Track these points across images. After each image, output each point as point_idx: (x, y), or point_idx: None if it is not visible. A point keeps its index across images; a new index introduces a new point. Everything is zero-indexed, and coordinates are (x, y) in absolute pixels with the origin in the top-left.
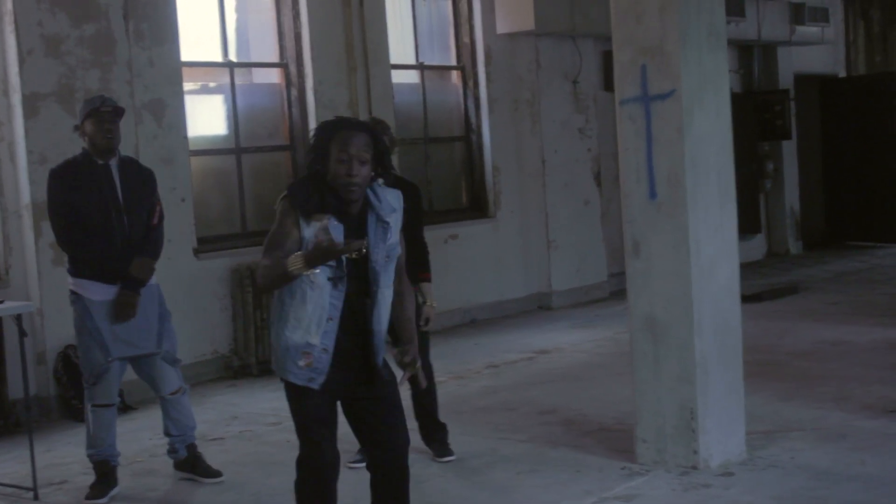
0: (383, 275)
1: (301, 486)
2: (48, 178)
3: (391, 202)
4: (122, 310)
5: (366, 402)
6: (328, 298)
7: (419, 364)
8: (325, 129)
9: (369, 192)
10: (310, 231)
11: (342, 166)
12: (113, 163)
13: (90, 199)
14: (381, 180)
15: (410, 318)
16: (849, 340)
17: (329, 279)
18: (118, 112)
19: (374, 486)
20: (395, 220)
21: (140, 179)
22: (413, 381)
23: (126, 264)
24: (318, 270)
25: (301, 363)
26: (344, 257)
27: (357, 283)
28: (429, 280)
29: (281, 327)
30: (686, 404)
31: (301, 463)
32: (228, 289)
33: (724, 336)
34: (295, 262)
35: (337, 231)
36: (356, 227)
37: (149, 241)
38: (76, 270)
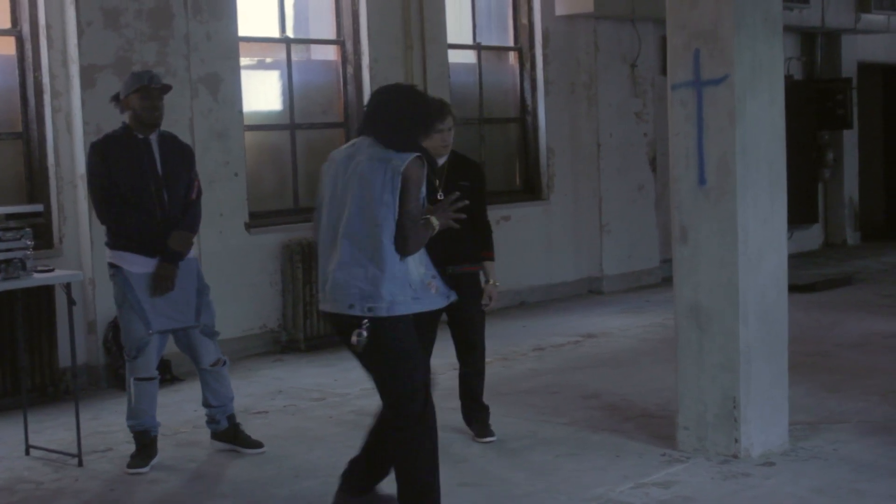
0: None
1: (424, 442)
2: (88, 152)
3: None
4: (161, 282)
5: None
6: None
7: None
8: (430, 110)
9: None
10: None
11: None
12: (153, 137)
13: (130, 172)
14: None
15: None
16: None
17: None
18: (166, 89)
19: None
20: None
21: (179, 154)
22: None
23: (165, 238)
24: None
25: (432, 290)
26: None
27: None
28: (492, 259)
29: (410, 269)
30: (728, 393)
31: (422, 417)
32: (279, 264)
33: (769, 326)
34: (434, 223)
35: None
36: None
37: (187, 216)
38: (115, 243)
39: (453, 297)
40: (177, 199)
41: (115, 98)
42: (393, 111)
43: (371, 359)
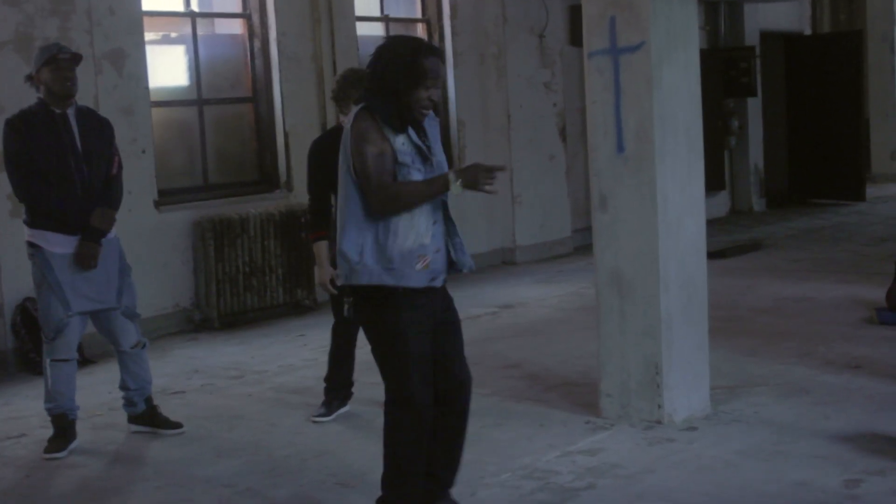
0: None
1: (399, 428)
2: (3, 128)
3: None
4: (83, 260)
5: (445, 326)
6: (432, 203)
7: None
8: (421, 52)
9: None
10: (398, 141)
11: (428, 91)
12: (70, 112)
13: (48, 148)
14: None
15: None
16: (811, 297)
17: None
18: (76, 59)
19: (443, 420)
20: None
21: (98, 129)
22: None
23: (86, 214)
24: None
25: (418, 266)
26: (421, 160)
27: None
28: None
29: (389, 239)
30: (651, 359)
31: (406, 402)
32: (190, 241)
33: (690, 292)
34: (452, 182)
35: (401, 141)
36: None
37: (109, 192)
38: (35, 222)
39: (438, 282)
40: (97, 175)
41: (29, 77)
42: (375, 69)
43: (366, 334)
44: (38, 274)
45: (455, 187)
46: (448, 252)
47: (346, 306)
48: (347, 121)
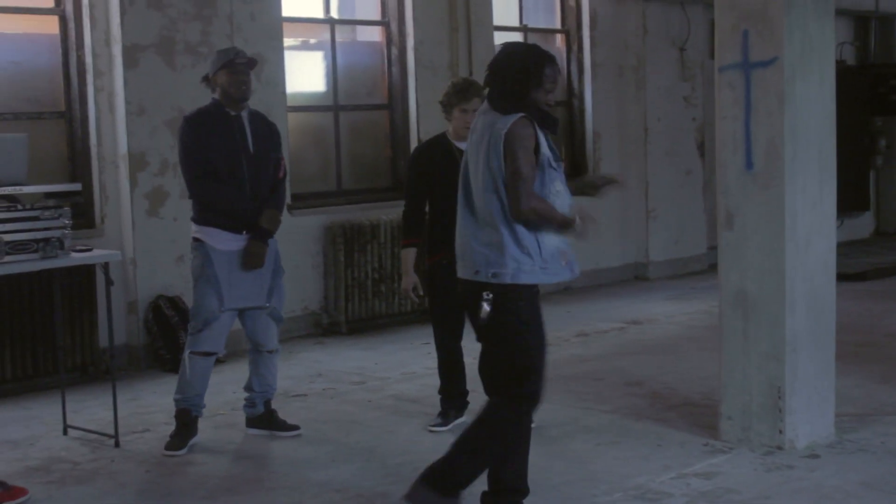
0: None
1: (522, 423)
2: (182, 125)
3: None
4: (251, 259)
5: None
6: (567, 201)
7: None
8: (539, 58)
9: None
10: (544, 145)
11: (549, 94)
12: (244, 114)
13: (223, 147)
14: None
15: None
16: None
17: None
18: (252, 64)
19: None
20: None
21: (268, 132)
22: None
23: (253, 215)
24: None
25: (563, 262)
26: (558, 165)
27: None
28: None
29: (540, 236)
30: (774, 382)
31: (530, 397)
32: (321, 246)
33: (817, 314)
34: (577, 225)
35: (546, 146)
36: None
37: (275, 194)
38: (203, 218)
39: (577, 273)
40: (266, 177)
41: (205, 78)
42: (498, 73)
43: (490, 330)
44: (199, 266)
45: (575, 234)
46: None
47: (482, 310)
48: (498, 124)
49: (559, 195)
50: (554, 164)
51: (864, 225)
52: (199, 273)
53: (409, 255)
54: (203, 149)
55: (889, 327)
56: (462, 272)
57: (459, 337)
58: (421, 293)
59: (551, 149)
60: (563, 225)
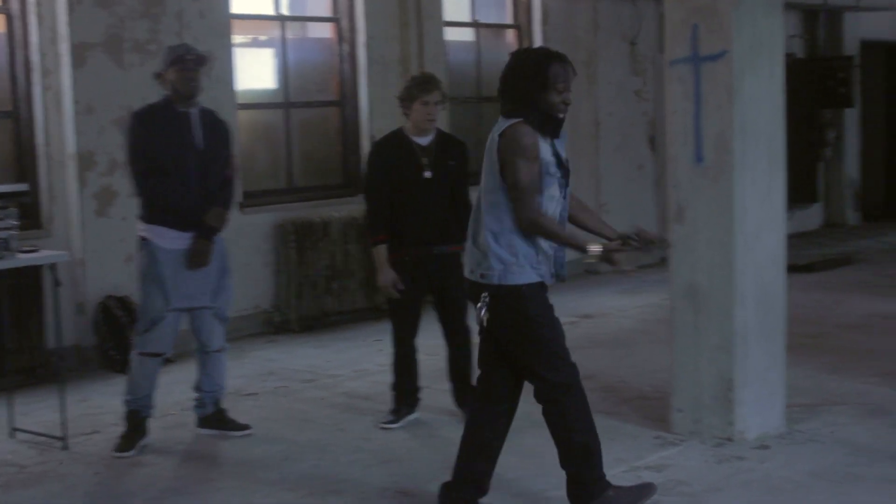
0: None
1: (575, 410)
2: (130, 121)
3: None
4: (196, 257)
5: None
6: (559, 208)
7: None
8: (545, 60)
9: None
10: (545, 150)
11: (561, 94)
12: (194, 111)
13: (170, 144)
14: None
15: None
16: None
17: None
18: (201, 60)
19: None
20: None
21: (218, 130)
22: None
23: (201, 213)
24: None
25: (544, 266)
26: (560, 170)
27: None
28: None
29: (537, 241)
30: (724, 375)
31: (560, 385)
32: (272, 244)
33: (766, 307)
34: (589, 250)
35: (561, 145)
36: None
37: (223, 192)
38: (150, 217)
39: (549, 281)
40: (214, 175)
41: (157, 75)
42: (504, 80)
43: (498, 330)
44: (145, 265)
45: (590, 256)
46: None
47: (481, 309)
48: (496, 129)
49: (552, 200)
50: (553, 170)
51: (813, 216)
52: (145, 272)
53: (382, 252)
54: (150, 145)
55: (838, 318)
56: (465, 271)
57: (415, 333)
58: (402, 287)
59: (557, 154)
60: (571, 245)
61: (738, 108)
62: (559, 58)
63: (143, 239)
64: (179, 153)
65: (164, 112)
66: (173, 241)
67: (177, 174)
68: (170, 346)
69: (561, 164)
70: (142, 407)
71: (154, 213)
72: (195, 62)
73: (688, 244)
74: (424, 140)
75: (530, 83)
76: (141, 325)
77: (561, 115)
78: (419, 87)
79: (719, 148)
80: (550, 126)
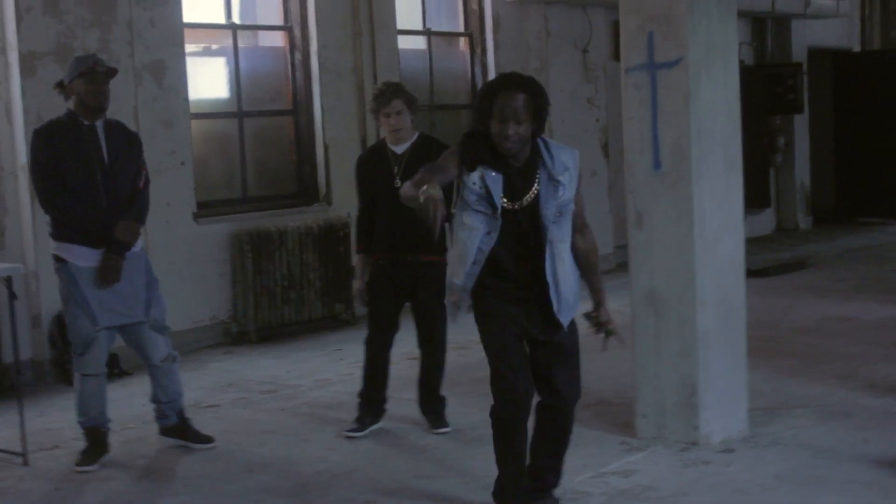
0: (554, 229)
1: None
2: (32, 138)
3: (564, 161)
4: (107, 274)
5: (545, 347)
6: (477, 243)
7: (613, 323)
8: (489, 89)
9: (543, 149)
10: (471, 178)
11: (499, 126)
12: (99, 124)
13: (75, 159)
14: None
15: (595, 278)
16: (855, 317)
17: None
18: (111, 73)
19: (540, 428)
20: (569, 179)
21: (126, 142)
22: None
23: (111, 228)
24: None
25: (451, 299)
26: (500, 208)
27: (527, 236)
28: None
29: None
30: (687, 380)
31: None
32: (228, 254)
33: (727, 311)
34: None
35: (495, 182)
36: (522, 180)
37: (134, 205)
38: (60, 234)
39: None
40: (124, 189)
41: (60, 84)
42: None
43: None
44: (65, 288)
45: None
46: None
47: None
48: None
49: (463, 227)
50: (473, 200)
51: (765, 221)
52: (66, 295)
53: (360, 261)
54: (54, 162)
55: (794, 322)
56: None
57: (388, 337)
58: (365, 299)
59: (487, 189)
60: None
61: (695, 114)
62: (500, 86)
63: (59, 259)
64: (85, 169)
65: (69, 127)
66: (88, 258)
67: (84, 190)
68: (104, 366)
69: (488, 199)
70: (99, 423)
71: (65, 231)
72: (106, 74)
73: (647, 250)
74: (400, 148)
75: (478, 112)
76: (75, 348)
77: (506, 147)
78: (377, 101)
79: (676, 154)
80: (484, 156)
